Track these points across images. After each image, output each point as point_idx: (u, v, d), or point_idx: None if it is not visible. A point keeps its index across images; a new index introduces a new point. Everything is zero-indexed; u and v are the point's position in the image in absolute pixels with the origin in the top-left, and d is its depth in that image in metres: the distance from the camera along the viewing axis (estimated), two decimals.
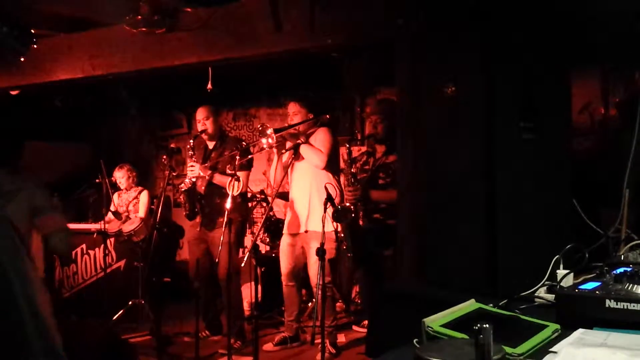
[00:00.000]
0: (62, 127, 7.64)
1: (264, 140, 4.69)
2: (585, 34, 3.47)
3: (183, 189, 5.23)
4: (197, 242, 5.38)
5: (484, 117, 2.91)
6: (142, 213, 6.43)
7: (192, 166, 5.17)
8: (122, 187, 6.57)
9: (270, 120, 7.82)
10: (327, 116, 5.04)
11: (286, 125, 5.01)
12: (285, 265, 5.09)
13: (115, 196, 6.61)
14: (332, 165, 4.93)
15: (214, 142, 5.40)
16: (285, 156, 4.97)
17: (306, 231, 4.91)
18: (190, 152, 5.25)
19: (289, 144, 4.94)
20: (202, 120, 5.31)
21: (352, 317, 5.99)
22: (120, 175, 6.54)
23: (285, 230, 5.13)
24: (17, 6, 4.77)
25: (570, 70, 3.31)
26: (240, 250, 5.79)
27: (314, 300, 5.51)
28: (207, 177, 5.17)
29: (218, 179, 5.14)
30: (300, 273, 5.11)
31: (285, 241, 5.11)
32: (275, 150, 4.90)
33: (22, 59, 5.17)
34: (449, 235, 3.04)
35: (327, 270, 4.27)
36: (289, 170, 4.99)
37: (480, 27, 2.95)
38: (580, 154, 3.71)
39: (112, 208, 6.38)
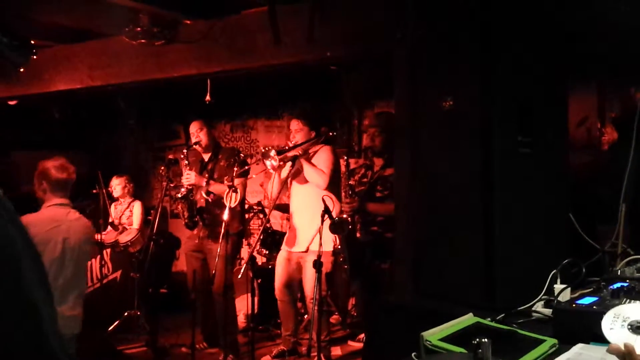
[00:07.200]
0: (60, 137, 7.64)
1: (267, 163, 4.66)
2: (583, 48, 3.49)
3: (179, 197, 5.23)
4: (195, 254, 5.36)
5: (481, 130, 2.92)
6: (136, 224, 6.43)
7: (188, 174, 5.17)
8: (116, 196, 6.58)
9: (267, 132, 7.83)
10: (331, 133, 5.03)
11: (289, 142, 4.96)
12: (278, 279, 5.07)
13: (112, 207, 6.61)
14: (332, 183, 4.92)
15: (209, 154, 5.41)
16: (285, 171, 4.95)
17: (307, 250, 4.90)
18: (185, 162, 5.25)
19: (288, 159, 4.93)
20: (196, 132, 5.33)
21: (348, 330, 5.97)
22: (117, 183, 6.56)
23: (284, 245, 5.12)
24: (17, 17, 4.79)
25: (567, 84, 3.32)
26: (237, 262, 5.78)
27: (305, 317, 5.50)
28: (203, 186, 5.16)
29: (215, 188, 5.13)
30: (294, 288, 5.09)
31: (282, 255, 5.10)
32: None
33: (21, 70, 5.19)
34: (447, 249, 3.04)
35: (323, 284, 4.26)
36: (289, 185, 4.99)
37: (478, 41, 2.97)
38: (578, 168, 3.72)
39: (110, 220, 6.38)
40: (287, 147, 4.88)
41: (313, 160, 4.88)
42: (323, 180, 4.78)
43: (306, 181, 4.88)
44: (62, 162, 3.86)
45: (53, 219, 3.71)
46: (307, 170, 4.78)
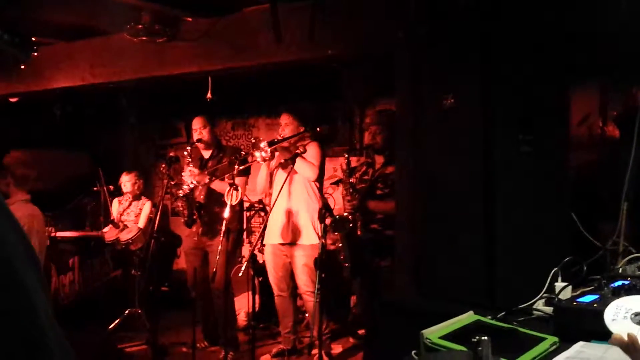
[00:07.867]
0: (61, 135, 7.64)
1: (257, 154, 4.68)
2: (585, 47, 3.49)
3: (181, 195, 5.22)
4: (195, 251, 5.36)
5: (482, 129, 2.92)
6: (142, 223, 6.43)
7: (190, 170, 5.15)
8: (125, 192, 6.55)
9: (269, 130, 7.82)
10: (319, 129, 5.06)
11: (277, 136, 5.00)
12: (273, 274, 5.08)
13: (115, 202, 6.58)
14: (318, 178, 4.99)
15: (210, 151, 5.40)
16: (272, 164, 4.99)
17: (296, 244, 4.90)
18: (188, 159, 5.25)
19: (278, 155, 4.95)
20: (199, 129, 5.32)
21: (349, 327, 5.96)
22: (127, 179, 6.52)
23: (268, 240, 5.11)
24: (19, 14, 4.79)
25: (569, 82, 3.32)
26: (237, 260, 5.77)
27: (307, 315, 5.50)
28: (205, 183, 5.15)
29: (217, 185, 5.13)
30: (289, 282, 5.09)
31: (269, 251, 5.11)
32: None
33: (22, 67, 5.19)
34: (447, 247, 3.04)
35: (316, 279, 4.24)
36: (288, 181, 4.99)
37: (479, 39, 2.97)
38: (579, 167, 3.72)
39: (111, 217, 6.37)
40: (276, 140, 4.91)
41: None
42: (314, 172, 4.86)
43: (297, 178, 4.91)
44: (26, 157, 3.92)
45: (27, 214, 3.79)
46: (298, 163, 4.79)
